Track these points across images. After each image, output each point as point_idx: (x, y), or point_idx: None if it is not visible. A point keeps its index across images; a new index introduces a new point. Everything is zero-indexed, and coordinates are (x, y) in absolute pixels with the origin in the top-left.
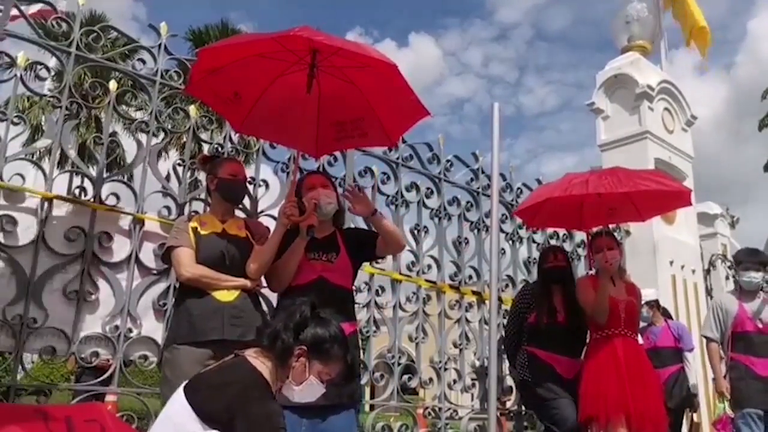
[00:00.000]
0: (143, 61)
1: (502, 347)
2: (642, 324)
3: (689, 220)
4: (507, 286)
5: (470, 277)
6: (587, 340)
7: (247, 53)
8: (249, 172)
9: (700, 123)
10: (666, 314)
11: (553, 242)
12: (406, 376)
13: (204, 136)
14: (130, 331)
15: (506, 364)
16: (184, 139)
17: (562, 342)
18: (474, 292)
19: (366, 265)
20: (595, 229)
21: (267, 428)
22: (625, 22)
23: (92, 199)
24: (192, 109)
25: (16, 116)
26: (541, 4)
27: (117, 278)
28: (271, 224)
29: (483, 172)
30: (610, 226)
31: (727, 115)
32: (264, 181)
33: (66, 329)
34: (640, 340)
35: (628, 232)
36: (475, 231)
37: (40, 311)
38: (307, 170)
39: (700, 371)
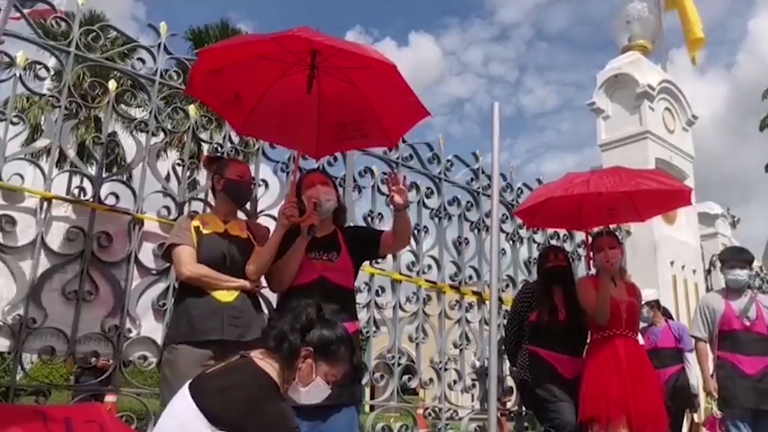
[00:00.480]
0: (143, 61)
1: (503, 347)
2: (643, 324)
3: (690, 220)
4: (507, 286)
5: (470, 277)
6: (588, 340)
7: (247, 54)
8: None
9: (700, 123)
10: (666, 314)
11: (553, 242)
12: (406, 377)
13: (203, 135)
14: (130, 331)
15: (507, 365)
16: (184, 139)
17: (564, 341)
18: (474, 293)
19: (366, 265)
20: (595, 230)
21: (282, 428)
22: (626, 21)
23: (91, 199)
24: (191, 109)
25: (15, 116)
26: (542, 4)
27: (116, 278)
28: (270, 224)
29: (483, 172)
30: (611, 226)
31: (728, 115)
32: (264, 181)
33: (65, 329)
34: (641, 340)
35: (628, 232)
36: (476, 231)
37: (39, 311)
38: (307, 170)
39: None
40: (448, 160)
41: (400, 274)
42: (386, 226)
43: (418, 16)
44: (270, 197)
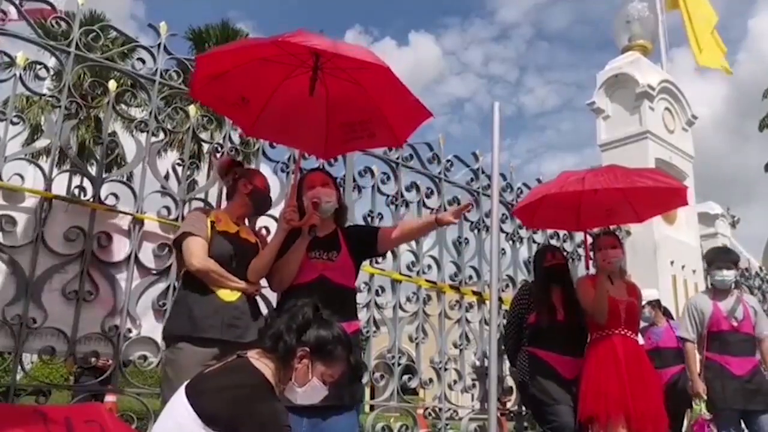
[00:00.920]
0: (143, 61)
1: (503, 347)
2: (644, 324)
3: (690, 221)
4: (507, 286)
5: (470, 277)
6: (587, 339)
7: (248, 58)
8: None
9: (700, 122)
10: (667, 314)
11: (553, 242)
12: (406, 377)
13: (203, 135)
14: (130, 331)
15: (507, 365)
16: (184, 139)
17: (563, 341)
18: (474, 293)
19: (366, 264)
20: (595, 230)
21: (273, 427)
22: (626, 21)
23: (91, 199)
24: (191, 109)
25: (15, 116)
26: (542, 4)
27: (116, 278)
28: (270, 223)
29: (483, 172)
30: (610, 227)
31: (728, 115)
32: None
33: (65, 329)
34: (641, 340)
35: (628, 233)
36: (475, 231)
37: (39, 311)
38: (306, 169)
39: None
40: (448, 160)
41: (400, 274)
42: (386, 225)
43: (418, 16)
44: (270, 197)
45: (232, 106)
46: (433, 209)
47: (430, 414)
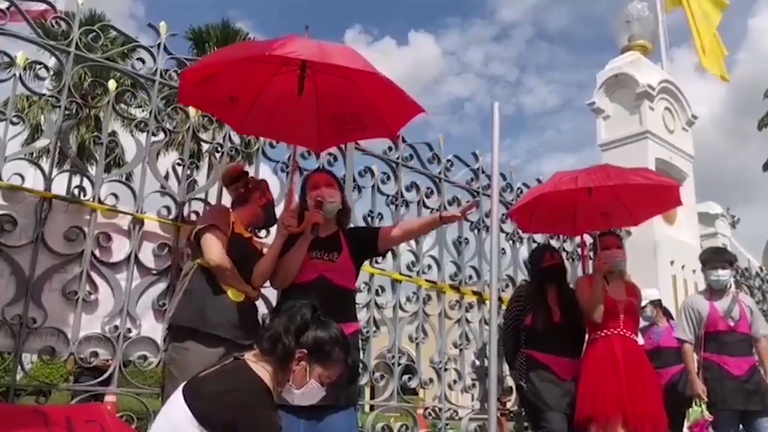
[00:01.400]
0: (143, 61)
1: (502, 348)
2: (645, 324)
3: (690, 220)
4: (507, 286)
5: (470, 277)
6: (585, 339)
7: (234, 60)
8: (249, 171)
9: (700, 122)
10: (667, 314)
11: (554, 242)
12: (406, 377)
13: (203, 135)
14: (130, 331)
15: (506, 365)
16: (184, 139)
17: (560, 342)
18: (474, 292)
19: (366, 264)
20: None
21: None
22: (626, 21)
23: (91, 199)
24: (191, 109)
25: (15, 116)
26: (542, 3)
27: (116, 278)
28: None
29: (483, 172)
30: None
31: (728, 114)
32: (264, 180)
33: (65, 329)
34: (641, 340)
35: (629, 233)
36: (475, 231)
37: (39, 311)
38: (307, 170)
39: None
40: (448, 160)
41: (400, 274)
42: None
43: (418, 16)
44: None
45: (221, 106)
46: (433, 209)
47: (430, 414)
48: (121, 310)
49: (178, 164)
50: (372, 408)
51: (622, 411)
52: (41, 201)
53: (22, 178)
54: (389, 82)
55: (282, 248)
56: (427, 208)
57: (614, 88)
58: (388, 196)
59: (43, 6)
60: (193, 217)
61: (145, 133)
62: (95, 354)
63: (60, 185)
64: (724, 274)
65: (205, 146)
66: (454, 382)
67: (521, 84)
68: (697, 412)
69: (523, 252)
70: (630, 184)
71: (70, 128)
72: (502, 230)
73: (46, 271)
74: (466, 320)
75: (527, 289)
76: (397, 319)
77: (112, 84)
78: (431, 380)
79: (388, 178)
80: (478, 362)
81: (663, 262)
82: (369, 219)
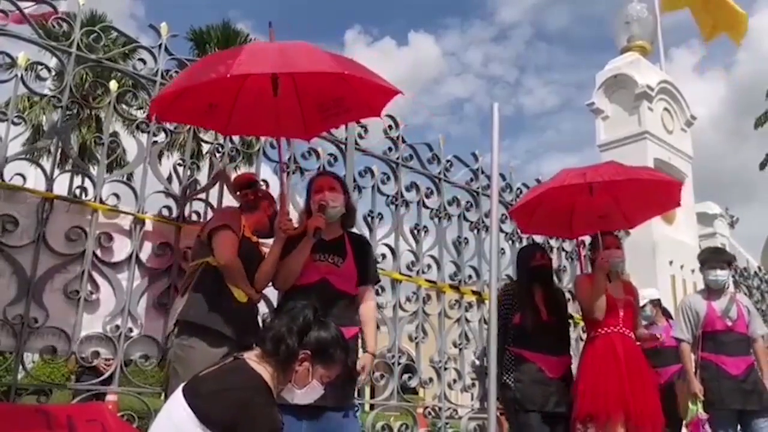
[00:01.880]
0: (144, 61)
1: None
2: (644, 323)
3: (689, 220)
4: (506, 285)
5: (470, 277)
6: (570, 338)
7: (198, 83)
8: (250, 171)
9: (699, 122)
10: (666, 314)
11: (552, 242)
12: (406, 376)
13: (204, 136)
14: (131, 330)
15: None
16: (185, 139)
17: (548, 341)
18: (474, 292)
19: None
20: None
21: None
22: (625, 22)
23: (93, 199)
24: None
25: (16, 116)
26: (541, 4)
27: (117, 278)
28: None
29: (483, 172)
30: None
31: (727, 115)
32: (264, 180)
33: (66, 329)
34: None
35: (627, 233)
36: (475, 231)
37: (40, 311)
38: (307, 170)
39: None
40: (448, 161)
41: (400, 273)
42: (386, 226)
43: (418, 16)
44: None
45: (202, 115)
46: (432, 209)
47: (429, 413)
48: (122, 309)
49: (179, 164)
50: (372, 407)
51: (624, 409)
52: (43, 201)
53: (24, 178)
54: (360, 71)
55: (282, 251)
56: (427, 208)
57: (613, 89)
58: (388, 196)
59: (45, 8)
60: (194, 217)
61: (146, 134)
62: (97, 353)
63: (61, 185)
64: (722, 275)
65: (205, 147)
66: (454, 381)
67: (521, 84)
68: (693, 411)
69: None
70: (637, 179)
71: (71, 129)
72: (501, 230)
73: (47, 271)
74: (466, 320)
75: (515, 288)
76: (397, 318)
77: (113, 84)
78: (431, 379)
79: (388, 178)
80: (477, 362)
81: (662, 261)
82: (369, 219)
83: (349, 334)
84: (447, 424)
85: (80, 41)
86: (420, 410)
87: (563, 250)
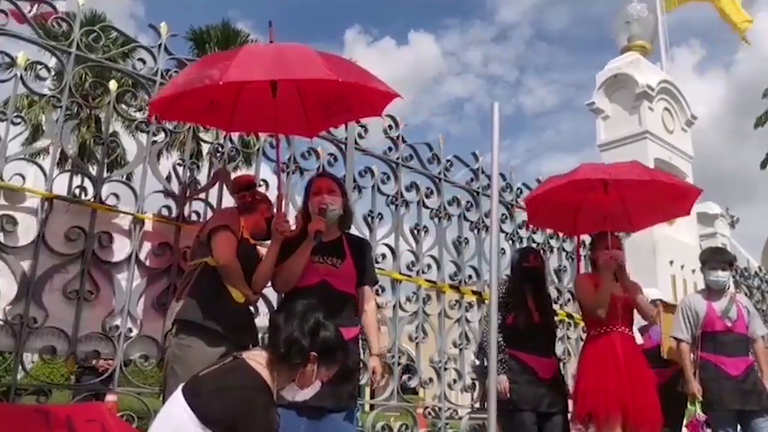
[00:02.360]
0: (143, 61)
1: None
2: (645, 323)
3: (689, 221)
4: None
5: (470, 277)
6: (556, 340)
7: (194, 89)
8: (250, 171)
9: (699, 122)
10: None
11: (553, 242)
12: (406, 376)
13: (204, 136)
14: (131, 330)
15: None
16: (185, 139)
17: (540, 343)
18: (474, 292)
19: None
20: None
21: None
22: (625, 22)
23: (92, 199)
24: None
25: (16, 116)
26: (541, 4)
27: (117, 278)
28: None
29: (483, 172)
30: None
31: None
32: (264, 181)
33: (66, 329)
34: (640, 339)
35: (627, 233)
36: (475, 231)
37: (40, 311)
38: (307, 170)
39: None
40: (448, 160)
41: (400, 273)
42: (386, 226)
43: (418, 16)
44: (270, 197)
45: (203, 113)
46: (432, 209)
47: (429, 413)
48: (121, 309)
49: (179, 164)
50: (372, 407)
51: (623, 408)
52: (42, 201)
53: (23, 178)
54: (355, 76)
55: (279, 252)
56: (427, 208)
57: (614, 89)
58: (388, 196)
59: (45, 8)
60: (194, 217)
61: (145, 134)
62: (96, 353)
63: (61, 185)
64: (723, 275)
65: (205, 146)
66: (454, 381)
67: (521, 84)
68: (692, 411)
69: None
70: (660, 181)
71: (71, 128)
72: (501, 230)
73: (47, 271)
74: (466, 320)
75: (509, 287)
76: (397, 318)
77: (113, 84)
78: (431, 380)
79: (388, 178)
80: (477, 361)
81: (662, 261)
82: (369, 219)
83: (350, 335)
84: (447, 424)
85: (80, 41)
86: (420, 410)
87: (563, 250)
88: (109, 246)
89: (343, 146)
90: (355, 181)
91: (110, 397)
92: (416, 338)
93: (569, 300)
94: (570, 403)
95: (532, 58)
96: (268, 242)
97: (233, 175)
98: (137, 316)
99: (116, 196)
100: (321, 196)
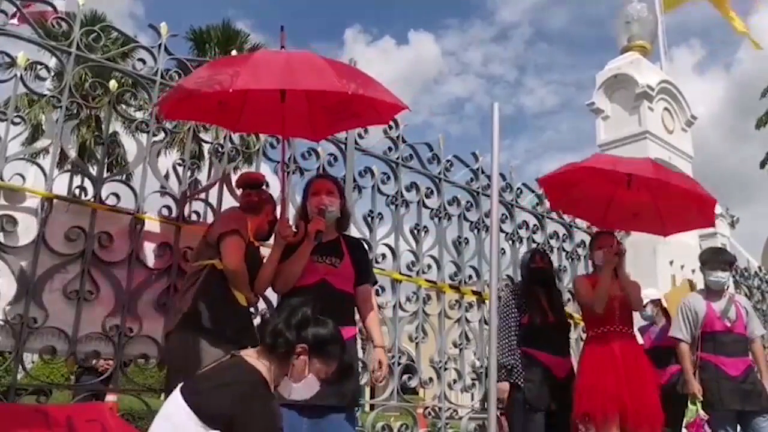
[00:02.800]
0: (143, 61)
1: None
2: (645, 323)
3: None
4: (507, 285)
5: (470, 277)
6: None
7: (201, 94)
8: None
9: (699, 122)
10: (666, 314)
11: (553, 242)
12: (406, 376)
13: (204, 135)
14: (131, 330)
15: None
16: (185, 139)
17: (555, 342)
18: (474, 292)
19: None
20: (594, 230)
21: (268, 428)
22: (626, 22)
23: (92, 199)
24: None
25: (16, 116)
26: (541, 4)
27: (117, 278)
28: None
29: (483, 172)
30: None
31: (727, 114)
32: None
33: (66, 329)
34: (640, 339)
35: (627, 232)
36: (475, 231)
37: (40, 311)
38: (307, 170)
39: None
40: (448, 160)
41: (400, 273)
42: (386, 226)
43: (418, 16)
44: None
45: (210, 112)
46: (432, 209)
47: (430, 413)
48: (122, 309)
49: (179, 164)
50: (372, 407)
51: (621, 408)
52: (42, 201)
53: (23, 178)
54: (364, 88)
55: (281, 256)
56: (427, 208)
57: (613, 89)
58: (388, 196)
59: (44, 7)
60: (194, 217)
61: (145, 134)
62: (96, 353)
63: (61, 185)
64: (723, 276)
65: (206, 146)
66: (454, 381)
67: (521, 84)
68: (692, 411)
69: (523, 252)
70: (673, 184)
71: (71, 128)
72: (502, 230)
73: (47, 271)
74: (466, 320)
75: (521, 289)
76: (397, 318)
77: (113, 84)
78: (431, 380)
79: (388, 178)
80: (477, 362)
81: (662, 261)
82: (369, 219)
83: (349, 334)
84: (447, 424)
85: (80, 41)
86: (420, 410)
87: (563, 250)
88: (109, 246)
89: (343, 146)
90: (355, 181)
91: (110, 397)
92: (416, 338)
93: (569, 300)
94: None
95: (532, 58)
96: (270, 242)
97: (234, 176)
98: (137, 316)
99: (116, 196)
100: (320, 197)
